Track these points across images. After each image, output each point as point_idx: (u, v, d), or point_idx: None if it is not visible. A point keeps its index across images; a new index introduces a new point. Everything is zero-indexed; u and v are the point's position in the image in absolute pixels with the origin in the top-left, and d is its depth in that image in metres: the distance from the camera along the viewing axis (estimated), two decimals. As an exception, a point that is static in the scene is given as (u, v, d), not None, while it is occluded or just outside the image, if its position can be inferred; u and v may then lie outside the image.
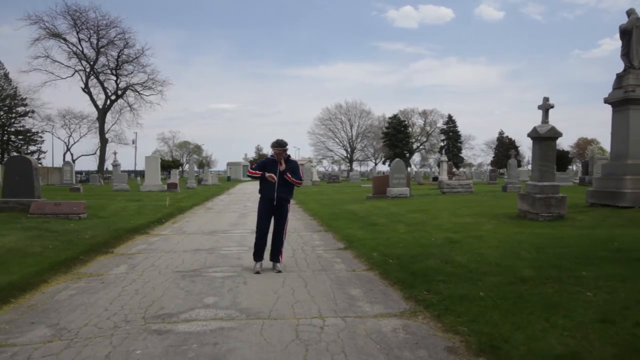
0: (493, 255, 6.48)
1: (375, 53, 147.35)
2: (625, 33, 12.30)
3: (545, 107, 11.12)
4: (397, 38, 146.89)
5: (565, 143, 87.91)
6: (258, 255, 6.52)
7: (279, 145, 6.48)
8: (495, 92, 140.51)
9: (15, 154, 60.50)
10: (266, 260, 6.59)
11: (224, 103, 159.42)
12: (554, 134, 10.91)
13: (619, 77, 12.44)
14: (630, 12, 12.43)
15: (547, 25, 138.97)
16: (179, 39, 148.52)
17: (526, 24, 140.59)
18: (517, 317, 4.01)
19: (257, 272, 6.30)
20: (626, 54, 12.32)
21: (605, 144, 70.32)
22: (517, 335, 3.62)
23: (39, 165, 34.96)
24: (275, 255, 6.56)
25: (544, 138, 10.90)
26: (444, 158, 31.35)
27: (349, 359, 3.44)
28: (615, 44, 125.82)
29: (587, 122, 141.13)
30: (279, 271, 6.37)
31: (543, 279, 5.09)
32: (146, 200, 18.97)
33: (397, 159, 20.36)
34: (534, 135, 11.05)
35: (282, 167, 6.52)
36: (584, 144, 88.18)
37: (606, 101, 12.73)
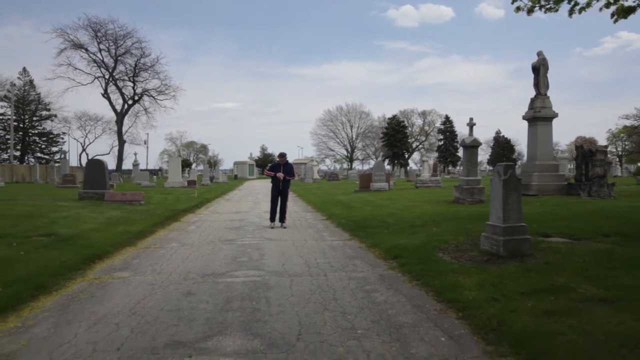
0: (409, 218, 11.15)
1: (379, 52, 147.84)
2: (535, 69, 16.89)
3: (470, 125, 15.76)
4: (399, 37, 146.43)
5: (562, 142, 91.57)
6: (272, 218, 11.29)
7: (282, 156, 11.40)
8: (499, 90, 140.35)
9: (39, 154, 65.80)
10: (276, 222, 11.29)
11: (227, 102, 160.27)
12: (476, 144, 15.58)
13: (532, 101, 17.03)
14: (539, 53, 17.01)
15: (549, 23, 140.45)
16: (181, 38, 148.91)
17: (529, 22, 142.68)
18: (394, 237, 8.68)
19: (272, 227, 11.04)
20: (536, 84, 16.91)
21: (604, 142, 74.00)
22: (389, 241, 8.28)
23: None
24: (282, 218, 11.30)
25: (469, 146, 15.56)
26: (426, 158, 36.22)
27: (314, 249, 8.12)
28: (616, 41, 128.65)
29: (588, 120, 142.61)
30: (285, 227, 11.09)
31: (422, 226, 9.76)
32: (176, 194, 23.70)
33: (378, 160, 25.05)
34: (463, 144, 15.71)
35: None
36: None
37: (523, 118, 17.33)
